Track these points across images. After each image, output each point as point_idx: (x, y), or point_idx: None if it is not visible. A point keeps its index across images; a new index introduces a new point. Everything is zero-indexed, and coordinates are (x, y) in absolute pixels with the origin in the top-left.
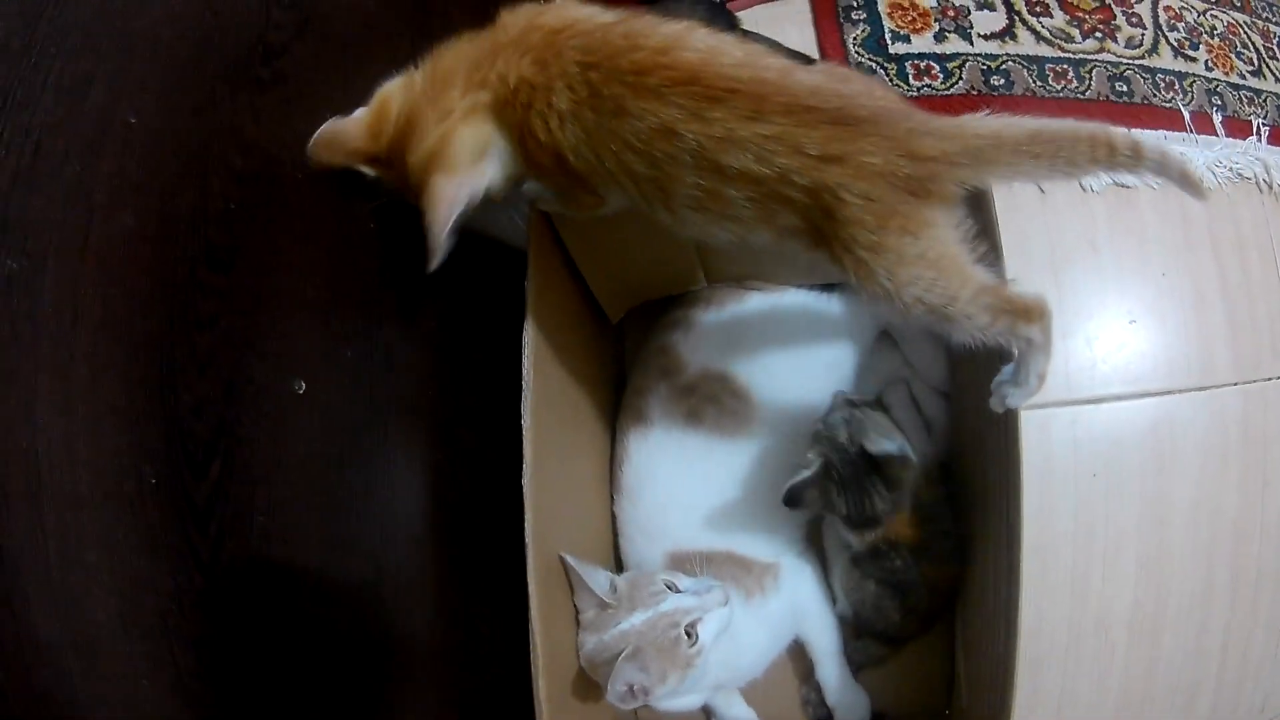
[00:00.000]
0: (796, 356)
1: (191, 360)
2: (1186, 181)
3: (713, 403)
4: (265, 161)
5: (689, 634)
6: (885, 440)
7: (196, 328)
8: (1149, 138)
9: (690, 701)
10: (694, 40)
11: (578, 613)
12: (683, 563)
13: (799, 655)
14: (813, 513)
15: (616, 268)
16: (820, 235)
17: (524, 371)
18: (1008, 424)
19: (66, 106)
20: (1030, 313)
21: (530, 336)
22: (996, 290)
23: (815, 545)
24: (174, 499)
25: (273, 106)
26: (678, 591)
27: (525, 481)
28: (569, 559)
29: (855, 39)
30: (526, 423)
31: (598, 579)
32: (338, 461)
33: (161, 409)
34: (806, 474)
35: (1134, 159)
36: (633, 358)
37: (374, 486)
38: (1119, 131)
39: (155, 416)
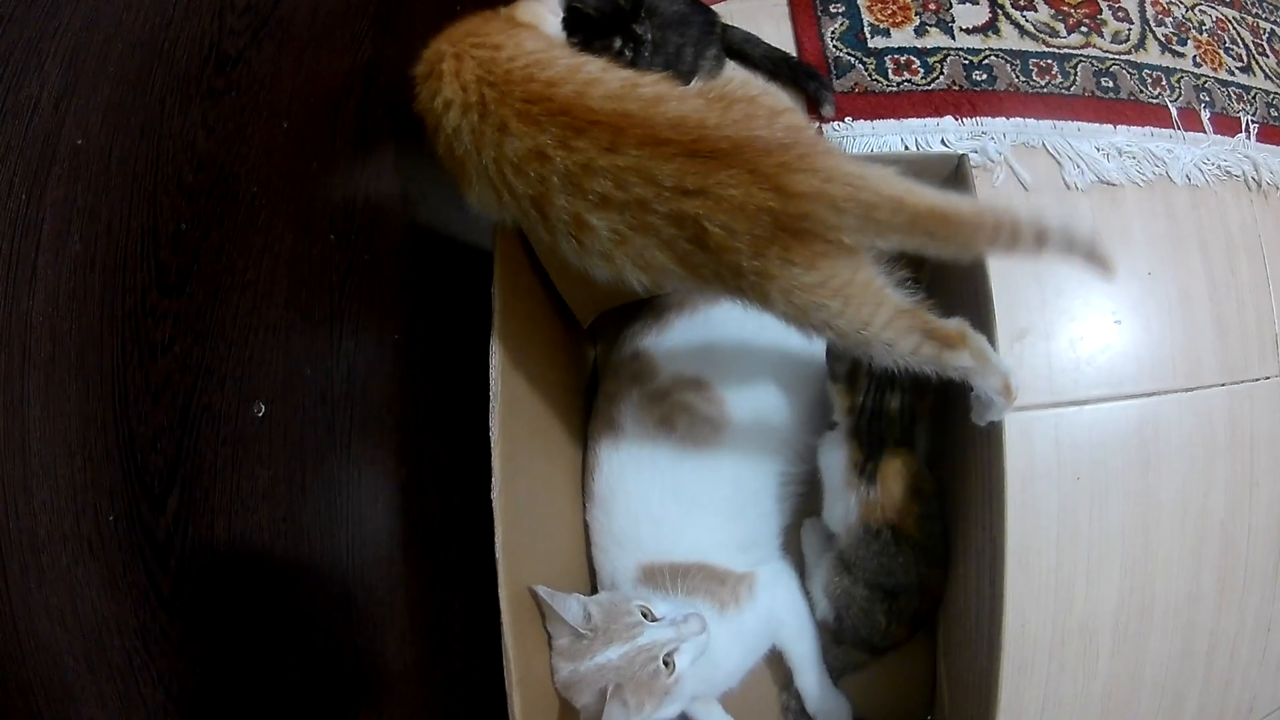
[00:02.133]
0: (771, 358)
1: (145, 390)
2: (1095, 258)
3: (685, 410)
4: (220, 176)
5: (666, 663)
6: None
7: (150, 356)
8: (1053, 218)
9: (667, 714)
10: (581, 74)
11: (550, 638)
12: (655, 575)
13: (778, 662)
14: (835, 379)
15: (584, 274)
16: (701, 271)
17: (491, 383)
18: (990, 427)
19: (11, 133)
20: (952, 339)
21: (497, 346)
22: (915, 314)
23: (792, 553)
24: (133, 535)
25: (227, 117)
26: (654, 619)
27: (495, 496)
28: (540, 591)
29: (833, 33)
30: (494, 436)
31: (570, 607)
32: (301, 485)
33: (117, 443)
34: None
35: (1038, 244)
36: (604, 362)
37: (340, 509)
38: (1024, 219)
39: (111, 451)
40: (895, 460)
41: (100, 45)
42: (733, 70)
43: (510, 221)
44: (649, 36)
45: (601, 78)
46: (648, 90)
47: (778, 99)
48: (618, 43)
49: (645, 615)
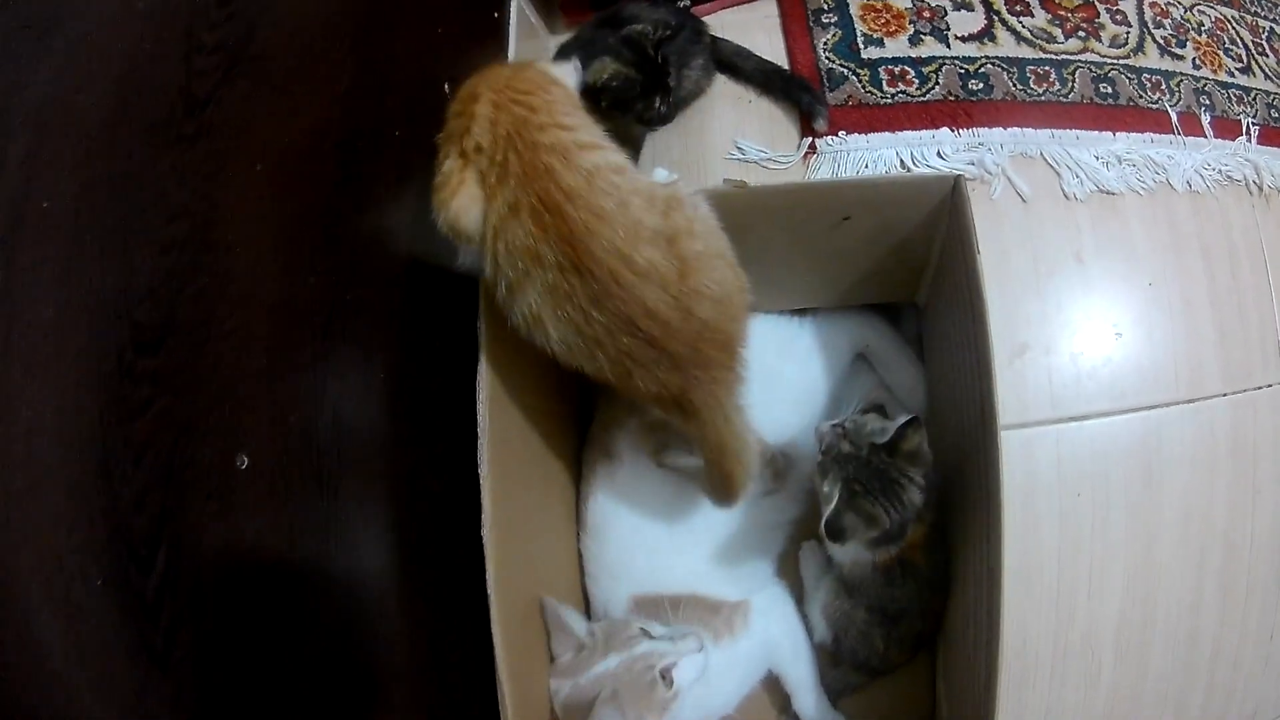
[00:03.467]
0: (766, 385)
1: (127, 451)
2: None
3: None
4: (194, 226)
5: (664, 678)
6: (888, 423)
7: (129, 417)
8: None
9: None
10: (596, 192)
11: (552, 659)
12: (647, 607)
13: (776, 686)
14: (858, 539)
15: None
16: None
17: (480, 418)
18: (987, 447)
19: None
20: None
21: (484, 379)
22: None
23: (787, 575)
24: (123, 597)
25: (199, 163)
26: (652, 638)
27: (485, 534)
28: (549, 602)
29: (826, 44)
30: (484, 471)
31: (577, 621)
32: (289, 535)
33: (100, 507)
34: (834, 503)
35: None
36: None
37: (331, 555)
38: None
39: (95, 516)
40: (917, 527)
41: (66, 99)
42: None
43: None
44: (674, 82)
45: (609, 213)
46: (642, 260)
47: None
48: (657, 102)
49: (644, 633)
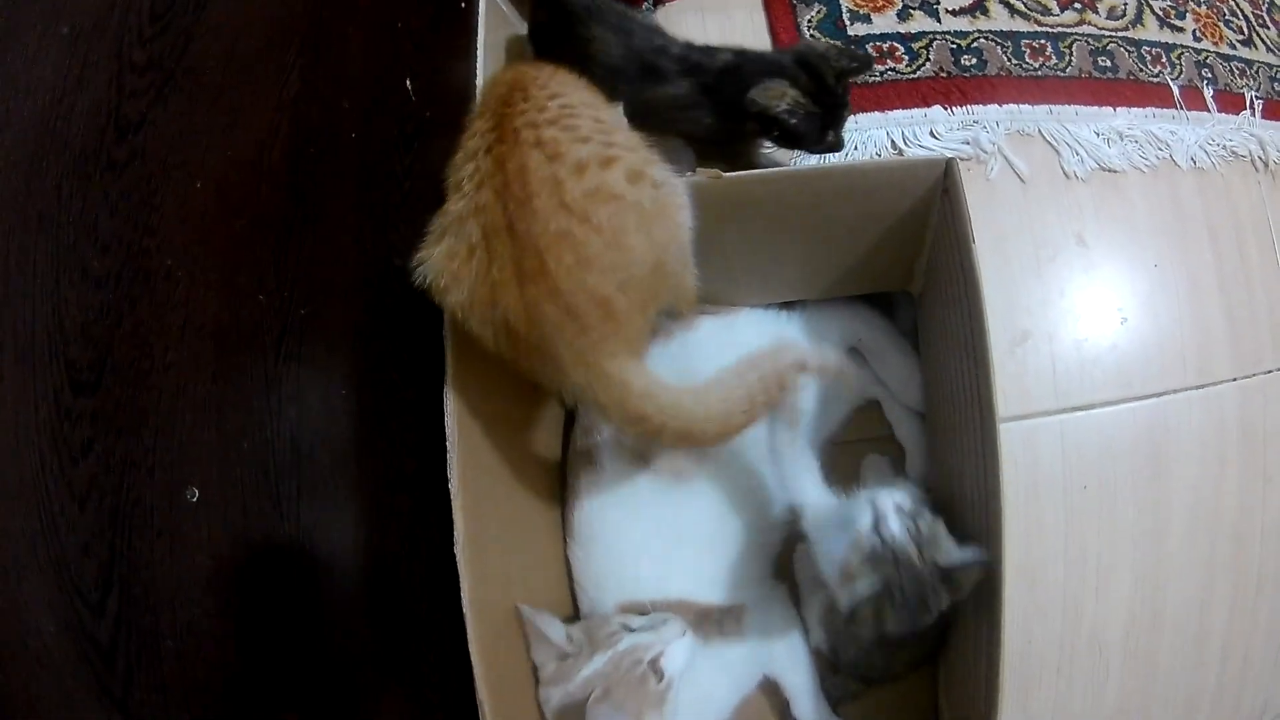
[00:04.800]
0: None
1: (70, 497)
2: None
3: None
4: (127, 256)
5: (654, 669)
6: (958, 550)
7: (71, 461)
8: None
9: None
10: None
11: (535, 670)
12: (635, 612)
13: (774, 693)
14: (867, 634)
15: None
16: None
17: (447, 429)
18: (986, 442)
19: None
20: None
21: (452, 392)
22: None
23: (785, 576)
24: (78, 644)
25: (131, 189)
26: (632, 630)
27: (458, 551)
28: (525, 610)
29: (810, 21)
30: (454, 488)
31: (555, 628)
32: (247, 566)
33: (48, 556)
34: (864, 594)
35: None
36: None
37: (295, 585)
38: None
39: (43, 565)
40: None
41: None
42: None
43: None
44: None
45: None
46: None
47: None
48: (829, 135)
49: (625, 627)
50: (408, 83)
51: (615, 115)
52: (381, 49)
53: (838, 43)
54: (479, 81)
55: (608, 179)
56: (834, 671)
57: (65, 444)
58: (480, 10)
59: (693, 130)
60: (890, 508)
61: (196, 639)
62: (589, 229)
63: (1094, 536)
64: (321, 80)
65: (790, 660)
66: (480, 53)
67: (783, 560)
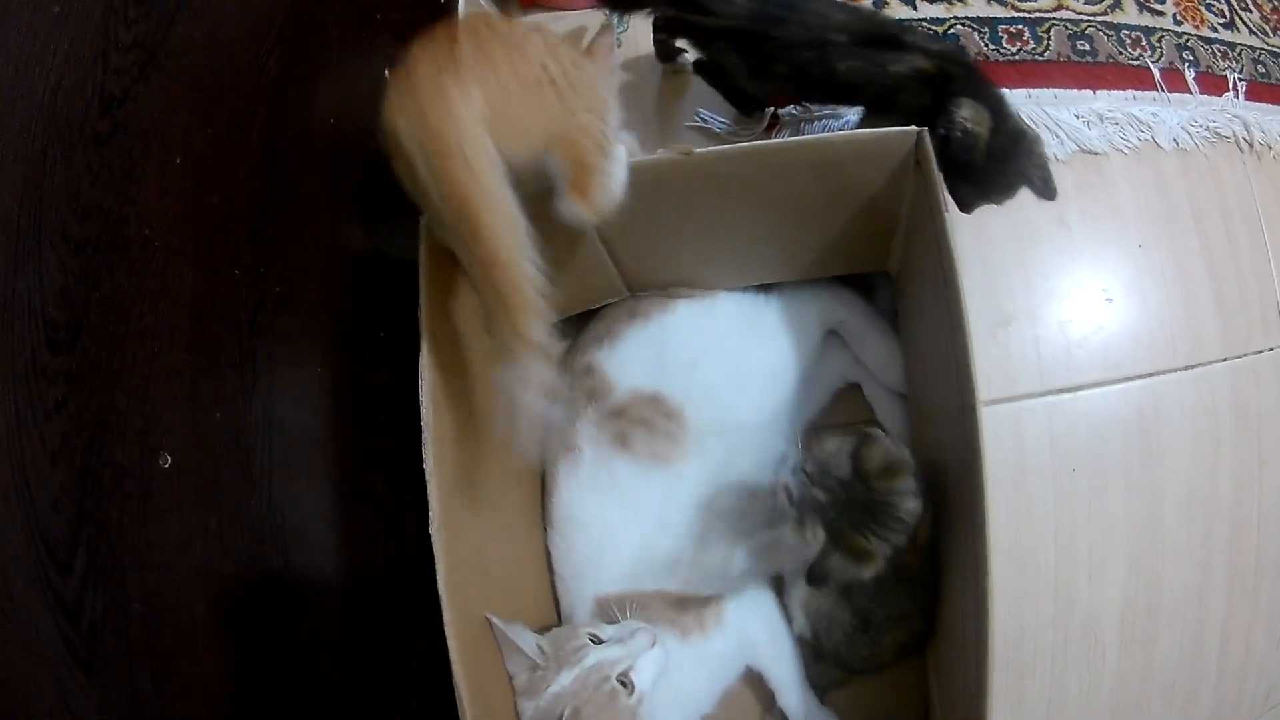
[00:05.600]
0: (733, 367)
1: (42, 452)
2: None
3: (644, 425)
4: (107, 223)
5: (624, 684)
6: (843, 441)
7: (44, 417)
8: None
9: None
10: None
11: (510, 677)
12: (608, 607)
13: (759, 684)
14: (845, 579)
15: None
16: None
17: (423, 411)
18: (966, 421)
19: None
20: None
21: (428, 372)
22: None
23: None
24: (43, 599)
25: (113, 161)
26: (600, 643)
27: (434, 532)
28: (495, 621)
29: None
30: (429, 468)
31: (524, 638)
32: (218, 535)
33: (19, 509)
34: (814, 549)
35: None
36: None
37: (267, 557)
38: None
39: (13, 521)
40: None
41: None
42: None
43: None
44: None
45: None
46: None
47: None
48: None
49: (592, 639)
50: (386, 73)
51: None
52: (359, 40)
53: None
54: None
55: None
56: (818, 660)
57: (40, 399)
58: (460, 7)
59: None
60: (788, 479)
61: (164, 604)
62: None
63: (1085, 520)
64: (299, 67)
65: (774, 650)
66: None
67: (765, 549)
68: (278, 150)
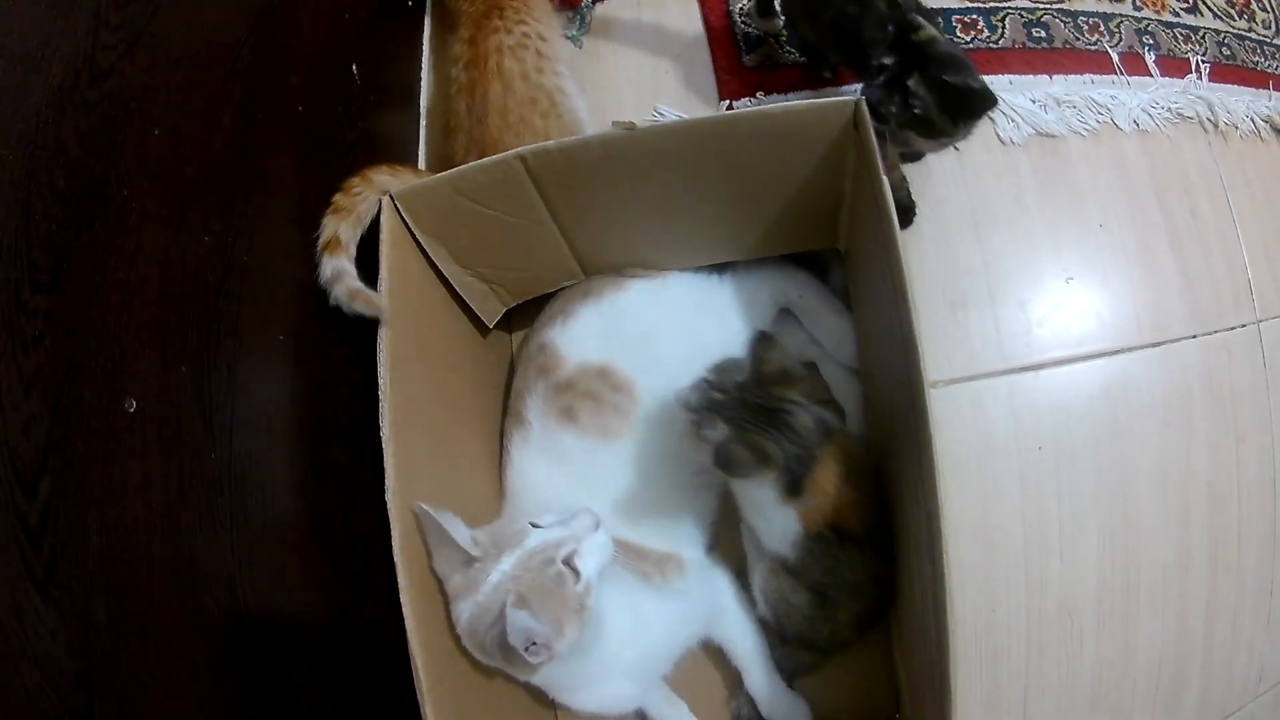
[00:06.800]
0: (685, 345)
1: (18, 380)
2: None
3: (590, 398)
4: (90, 181)
5: (570, 568)
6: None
7: (22, 349)
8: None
9: (610, 696)
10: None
11: (441, 584)
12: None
13: (725, 665)
14: (749, 473)
15: (483, 270)
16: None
17: (380, 379)
18: (914, 394)
19: None
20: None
21: (386, 341)
22: None
23: (730, 551)
24: (6, 517)
25: (99, 126)
26: (541, 527)
27: (389, 498)
28: (424, 508)
29: (742, 9)
30: (385, 435)
31: (459, 530)
32: (178, 482)
33: None
34: (718, 438)
35: None
36: (517, 358)
37: (222, 509)
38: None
39: None
40: (826, 460)
41: None
42: None
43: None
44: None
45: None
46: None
47: None
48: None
49: (533, 524)
50: (354, 68)
51: (558, 45)
52: (329, 35)
53: None
54: (424, 76)
55: (534, 118)
56: (783, 643)
57: (19, 333)
58: (429, 10)
59: None
60: (685, 390)
61: (123, 542)
62: (513, 134)
63: (1053, 498)
64: (272, 57)
65: (738, 629)
66: (426, 49)
67: (722, 535)
68: (250, 131)
